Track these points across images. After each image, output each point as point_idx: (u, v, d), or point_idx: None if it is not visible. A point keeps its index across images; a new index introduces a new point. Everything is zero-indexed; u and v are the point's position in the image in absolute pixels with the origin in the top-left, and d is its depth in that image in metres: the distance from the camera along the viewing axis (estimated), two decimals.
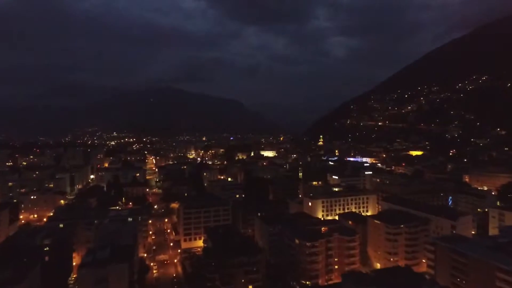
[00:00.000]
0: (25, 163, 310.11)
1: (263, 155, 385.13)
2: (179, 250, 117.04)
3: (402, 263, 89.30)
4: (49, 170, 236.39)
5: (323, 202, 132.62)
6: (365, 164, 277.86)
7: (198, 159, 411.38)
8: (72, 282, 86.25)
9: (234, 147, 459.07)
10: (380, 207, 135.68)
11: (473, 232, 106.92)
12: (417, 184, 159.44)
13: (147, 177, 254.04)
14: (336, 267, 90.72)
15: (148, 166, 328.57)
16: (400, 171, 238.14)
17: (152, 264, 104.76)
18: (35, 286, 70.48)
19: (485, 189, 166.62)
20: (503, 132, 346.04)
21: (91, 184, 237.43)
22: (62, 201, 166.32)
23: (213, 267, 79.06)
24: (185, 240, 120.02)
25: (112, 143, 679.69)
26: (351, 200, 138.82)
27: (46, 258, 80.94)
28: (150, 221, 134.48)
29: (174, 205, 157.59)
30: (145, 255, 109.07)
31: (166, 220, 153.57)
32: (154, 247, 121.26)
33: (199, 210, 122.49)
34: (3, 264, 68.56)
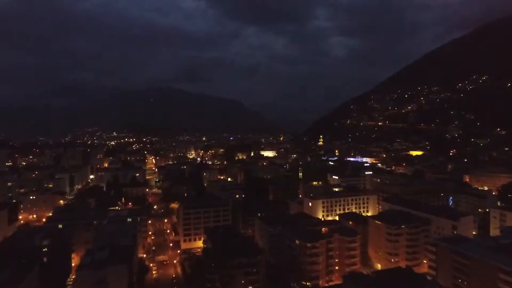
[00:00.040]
0: (24, 163, 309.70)
1: (263, 155, 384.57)
2: (178, 251, 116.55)
3: (403, 264, 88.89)
4: (49, 170, 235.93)
5: (323, 203, 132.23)
6: (365, 164, 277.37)
7: (198, 159, 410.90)
8: (70, 283, 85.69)
9: (234, 147, 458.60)
10: (380, 207, 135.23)
11: (474, 233, 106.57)
12: (418, 184, 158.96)
13: (147, 177, 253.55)
14: (336, 268, 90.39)
15: (148, 166, 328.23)
16: (400, 171, 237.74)
17: (151, 264, 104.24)
18: (34, 287, 70.01)
19: (486, 189, 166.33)
20: (503, 132, 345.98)
21: (91, 184, 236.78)
22: (61, 201, 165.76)
23: (213, 268, 78.68)
24: (184, 241, 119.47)
25: (112, 143, 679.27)
26: (352, 200, 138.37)
27: (45, 259, 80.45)
28: (149, 222, 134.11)
29: (174, 205, 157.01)
30: (145, 255, 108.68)
31: (165, 220, 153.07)
32: (153, 248, 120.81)
33: (199, 211, 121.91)
34: (1, 265, 68.13)
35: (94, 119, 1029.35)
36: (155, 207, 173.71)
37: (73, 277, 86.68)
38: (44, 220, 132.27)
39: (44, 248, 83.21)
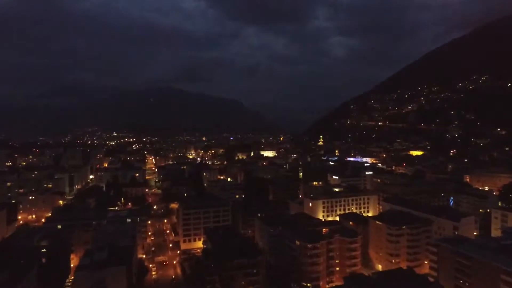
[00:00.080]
0: (24, 163, 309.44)
1: (263, 155, 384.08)
2: (178, 251, 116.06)
3: (404, 265, 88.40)
4: (48, 170, 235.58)
5: (323, 203, 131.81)
6: (365, 164, 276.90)
7: (198, 159, 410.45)
8: (69, 284, 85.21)
9: (234, 147, 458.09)
10: (381, 207, 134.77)
11: (475, 233, 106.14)
12: (418, 185, 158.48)
13: (147, 177, 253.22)
14: (337, 269, 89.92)
15: (147, 166, 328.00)
16: (401, 171, 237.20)
17: (151, 265, 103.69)
18: None
19: (486, 189, 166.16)
20: (503, 132, 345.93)
21: (90, 184, 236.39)
22: (60, 202, 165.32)
23: (213, 268, 78.16)
24: (184, 241, 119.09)
25: (112, 143, 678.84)
26: (352, 200, 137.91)
27: (44, 260, 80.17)
28: (149, 222, 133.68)
29: (174, 205, 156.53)
30: (144, 256, 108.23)
31: (165, 220, 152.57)
32: (153, 248, 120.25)
33: (199, 211, 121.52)
34: (0, 265, 67.69)
35: (94, 119, 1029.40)
36: (154, 207, 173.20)
37: (72, 277, 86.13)
38: (43, 220, 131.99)
39: (43, 249, 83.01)
